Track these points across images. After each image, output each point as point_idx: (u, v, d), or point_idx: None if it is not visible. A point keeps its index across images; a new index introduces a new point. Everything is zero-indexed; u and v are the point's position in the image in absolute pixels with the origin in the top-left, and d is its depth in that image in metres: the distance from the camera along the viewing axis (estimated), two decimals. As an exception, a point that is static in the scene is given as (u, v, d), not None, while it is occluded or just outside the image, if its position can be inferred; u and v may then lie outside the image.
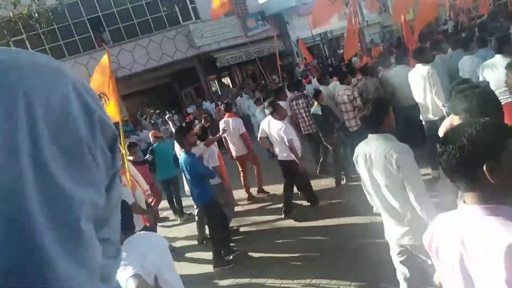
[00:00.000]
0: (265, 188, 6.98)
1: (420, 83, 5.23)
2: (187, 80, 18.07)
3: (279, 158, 5.78)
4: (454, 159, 1.22)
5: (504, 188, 1.20)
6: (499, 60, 4.29)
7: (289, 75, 13.08)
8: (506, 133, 1.21)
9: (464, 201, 1.30)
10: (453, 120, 2.09)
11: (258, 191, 7.01)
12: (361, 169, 2.68)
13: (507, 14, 9.67)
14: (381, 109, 2.53)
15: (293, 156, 5.41)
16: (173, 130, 6.53)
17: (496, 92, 4.20)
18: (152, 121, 11.23)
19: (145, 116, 11.71)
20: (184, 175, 4.93)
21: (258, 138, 6.16)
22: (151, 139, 6.78)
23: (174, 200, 6.79)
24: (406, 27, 7.89)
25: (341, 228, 4.91)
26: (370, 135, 2.59)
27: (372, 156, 2.52)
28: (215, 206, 4.92)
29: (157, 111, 13.08)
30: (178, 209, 6.75)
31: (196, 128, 5.95)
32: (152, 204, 5.57)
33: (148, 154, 6.24)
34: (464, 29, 9.96)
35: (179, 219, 6.78)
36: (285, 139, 5.35)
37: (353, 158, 2.76)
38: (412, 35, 7.95)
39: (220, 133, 6.29)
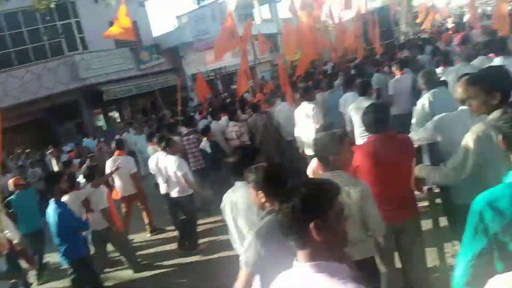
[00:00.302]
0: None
1: (304, 120, 5.50)
2: (68, 115, 16.45)
3: (171, 195, 5.54)
4: (286, 217, 1.25)
5: (330, 245, 1.26)
6: (362, 101, 4.74)
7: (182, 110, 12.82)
8: (332, 193, 1.28)
9: (296, 259, 1.32)
10: (248, 187, 2.18)
11: (151, 231, 6.54)
12: (227, 217, 2.60)
13: (372, 60, 10.97)
14: (246, 158, 2.50)
15: (189, 191, 5.35)
16: (56, 168, 5.72)
17: (360, 130, 4.66)
18: (20, 163, 9.74)
19: (11, 156, 10.11)
20: (50, 227, 4.25)
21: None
22: (11, 188, 5.70)
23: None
24: (281, 68, 8.45)
25: (222, 266, 4.67)
26: (236, 183, 2.53)
27: (238, 204, 2.46)
28: (86, 264, 4.32)
29: (27, 151, 11.40)
30: (38, 268, 5.71)
31: (83, 168, 5.49)
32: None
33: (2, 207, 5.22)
34: (341, 70, 11.03)
35: (36, 282, 5.66)
36: (180, 174, 5.19)
37: (221, 207, 2.65)
38: (286, 76, 8.57)
39: (112, 170, 5.76)
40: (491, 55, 5.53)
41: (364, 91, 4.98)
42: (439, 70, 5.95)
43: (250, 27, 10.23)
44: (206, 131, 6.43)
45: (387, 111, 2.92)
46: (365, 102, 4.44)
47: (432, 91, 4.08)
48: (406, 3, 15.28)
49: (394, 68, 6.68)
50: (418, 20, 22.07)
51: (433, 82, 4.20)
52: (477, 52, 5.87)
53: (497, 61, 4.93)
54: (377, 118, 2.72)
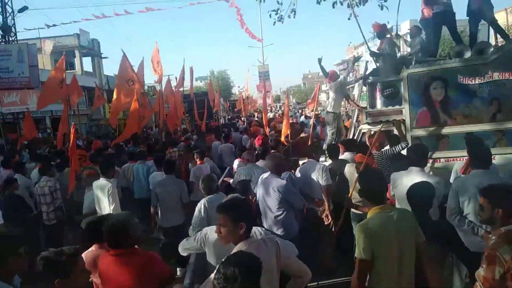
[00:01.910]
0: None
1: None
2: None
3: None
4: None
5: None
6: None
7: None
8: None
9: None
10: None
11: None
12: None
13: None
14: None
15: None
16: None
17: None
18: None
19: None
20: None
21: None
22: None
23: None
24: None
25: None
26: None
27: None
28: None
29: None
30: None
31: None
32: None
33: None
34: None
35: None
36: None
37: None
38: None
39: None
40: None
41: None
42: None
43: (76, 82, 10.35)
44: (9, 184, 5.99)
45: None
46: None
47: (208, 197, 4.10)
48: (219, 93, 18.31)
49: (195, 156, 7.02)
50: (236, 108, 26.01)
51: (211, 189, 4.21)
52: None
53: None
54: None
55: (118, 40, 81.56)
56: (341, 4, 7.64)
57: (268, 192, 4.21)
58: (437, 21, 6.47)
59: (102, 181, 5.36)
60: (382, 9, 7.01)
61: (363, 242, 2.55)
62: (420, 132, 5.91)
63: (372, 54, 6.93)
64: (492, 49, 5.76)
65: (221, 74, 51.35)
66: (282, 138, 9.07)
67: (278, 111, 34.99)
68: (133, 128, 10.36)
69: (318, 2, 7.47)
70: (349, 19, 7.52)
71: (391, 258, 2.56)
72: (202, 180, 4.32)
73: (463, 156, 5.77)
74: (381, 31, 6.81)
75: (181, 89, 16.20)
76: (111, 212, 5.03)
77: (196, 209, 4.06)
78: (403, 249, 2.58)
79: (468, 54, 5.86)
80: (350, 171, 5.07)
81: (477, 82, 5.62)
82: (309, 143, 7.40)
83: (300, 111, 33.76)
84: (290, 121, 17.45)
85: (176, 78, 15.81)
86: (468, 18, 6.44)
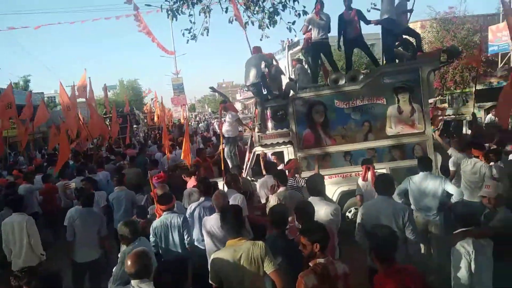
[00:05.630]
0: None
1: None
2: None
3: None
4: None
5: None
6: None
7: None
8: None
9: None
10: None
11: None
12: None
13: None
14: None
15: None
16: None
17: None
18: None
19: None
20: None
21: None
22: None
23: None
24: None
25: None
26: None
27: None
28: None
29: None
30: None
31: None
32: None
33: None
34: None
35: None
36: None
37: None
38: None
39: None
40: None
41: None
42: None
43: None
44: None
45: None
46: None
47: (130, 246, 3.72)
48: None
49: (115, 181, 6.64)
50: (155, 120, 25.15)
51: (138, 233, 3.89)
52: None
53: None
54: None
55: (17, 50, 73.82)
56: (253, 24, 7.84)
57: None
58: (315, 50, 7.10)
59: (14, 216, 5.12)
60: (290, 31, 7.37)
61: (211, 270, 2.97)
62: (306, 153, 6.41)
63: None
64: (362, 76, 6.48)
65: (131, 83, 47.73)
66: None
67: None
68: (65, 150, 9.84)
69: (230, 22, 7.58)
70: (261, 40, 7.80)
71: (232, 285, 2.90)
72: (125, 225, 3.88)
73: (343, 173, 6.37)
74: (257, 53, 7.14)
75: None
76: (32, 247, 4.94)
77: (119, 260, 3.78)
78: (243, 278, 2.88)
79: (343, 81, 6.50)
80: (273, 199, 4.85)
81: (350, 106, 6.29)
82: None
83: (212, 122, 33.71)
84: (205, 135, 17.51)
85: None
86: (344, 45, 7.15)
